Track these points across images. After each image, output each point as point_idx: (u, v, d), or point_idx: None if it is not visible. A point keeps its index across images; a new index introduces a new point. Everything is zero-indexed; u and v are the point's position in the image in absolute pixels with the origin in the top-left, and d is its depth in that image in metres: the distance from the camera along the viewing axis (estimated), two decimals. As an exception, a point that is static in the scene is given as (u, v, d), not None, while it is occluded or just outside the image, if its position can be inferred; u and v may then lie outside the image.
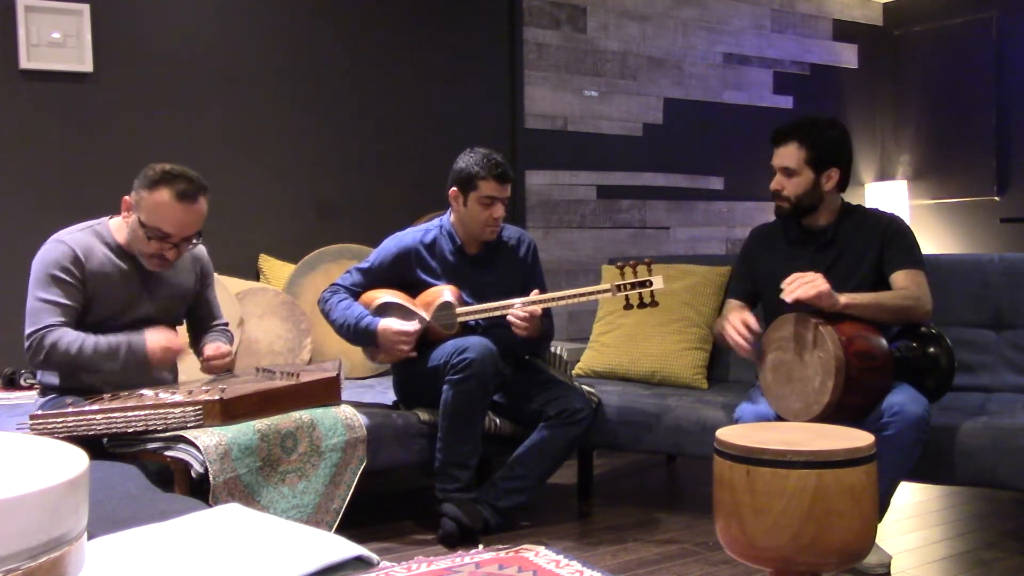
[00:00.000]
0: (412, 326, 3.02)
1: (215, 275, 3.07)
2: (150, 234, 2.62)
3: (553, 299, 3.02)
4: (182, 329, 2.97)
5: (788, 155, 2.85)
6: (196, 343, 2.98)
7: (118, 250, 2.72)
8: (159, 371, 2.78)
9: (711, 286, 3.67)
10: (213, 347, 2.86)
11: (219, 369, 2.85)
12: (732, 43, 5.56)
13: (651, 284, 2.98)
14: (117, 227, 2.74)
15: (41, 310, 2.59)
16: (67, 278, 2.61)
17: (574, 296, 3.02)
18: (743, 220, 5.55)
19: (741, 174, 5.51)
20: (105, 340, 2.59)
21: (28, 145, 3.64)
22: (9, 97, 3.61)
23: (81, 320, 2.66)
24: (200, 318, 2.99)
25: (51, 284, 2.60)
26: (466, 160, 3.12)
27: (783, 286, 2.67)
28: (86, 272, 2.64)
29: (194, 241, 2.71)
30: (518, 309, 2.98)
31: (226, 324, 3.07)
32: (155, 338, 2.64)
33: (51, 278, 2.60)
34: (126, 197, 2.67)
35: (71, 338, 2.56)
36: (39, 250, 2.67)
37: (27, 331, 2.59)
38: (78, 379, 2.68)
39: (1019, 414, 2.80)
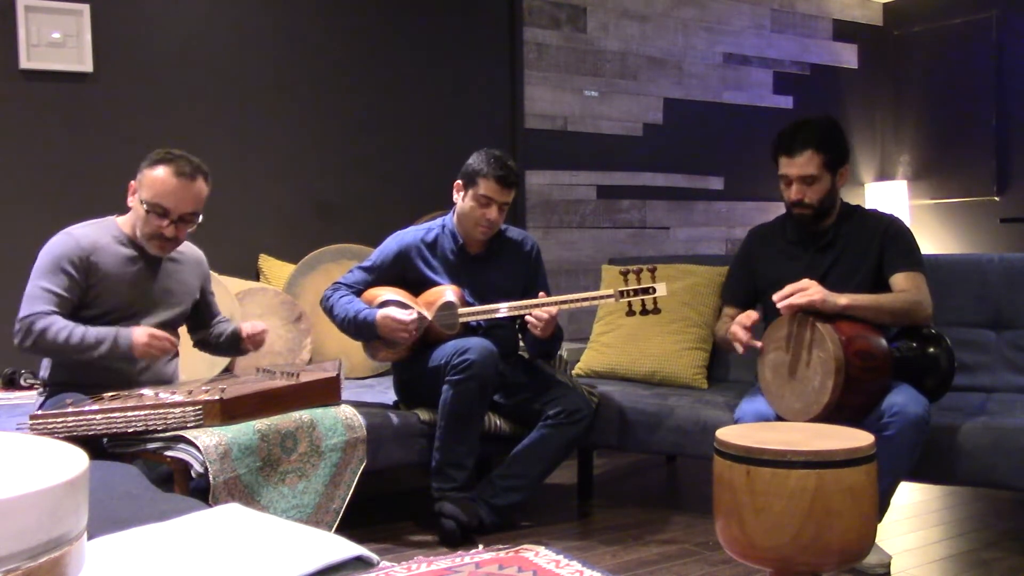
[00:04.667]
0: (411, 315, 3.01)
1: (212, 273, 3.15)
2: (149, 209, 2.68)
3: (556, 303, 3.02)
4: (182, 330, 3.01)
5: (807, 163, 2.81)
6: (198, 339, 3.08)
7: (128, 242, 2.78)
8: (144, 363, 2.77)
9: (711, 286, 3.67)
10: (249, 324, 2.98)
11: (261, 342, 2.98)
12: (732, 43, 5.55)
13: (654, 291, 2.98)
14: (124, 222, 2.82)
15: (37, 297, 2.64)
16: (69, 269, 2.66)
17: (578, 301, 3.03)
18: (743, 220, 5.55)
19: (741, 174, 5.51)
20: (94, 330, 2.62)
21: (28, 145, 3.64)
22: (9, 97, 3.61)
23: (85, 312, 2.69)
24: (201, 316, 3.06)
25: (52, 273, 2.66)
26: (477, 157, 3.14)
27: (775, 299, 2.67)
28: (90, 266, 2.69)
29: (193, 222, 2.75)
30: (540, 310, 3.00)
31: (228, 320, 3.14)
32: (142, 330, 2.66)
33: (53, 268, 2.66)
34: (132, 182, 2.75)
35: (60, 325, 2.60)
36: (48, 240, 2.73)
37: (20, 315, 2.63)
38: (71, 373, 2.70)
39: (1019, 414, 2.80)
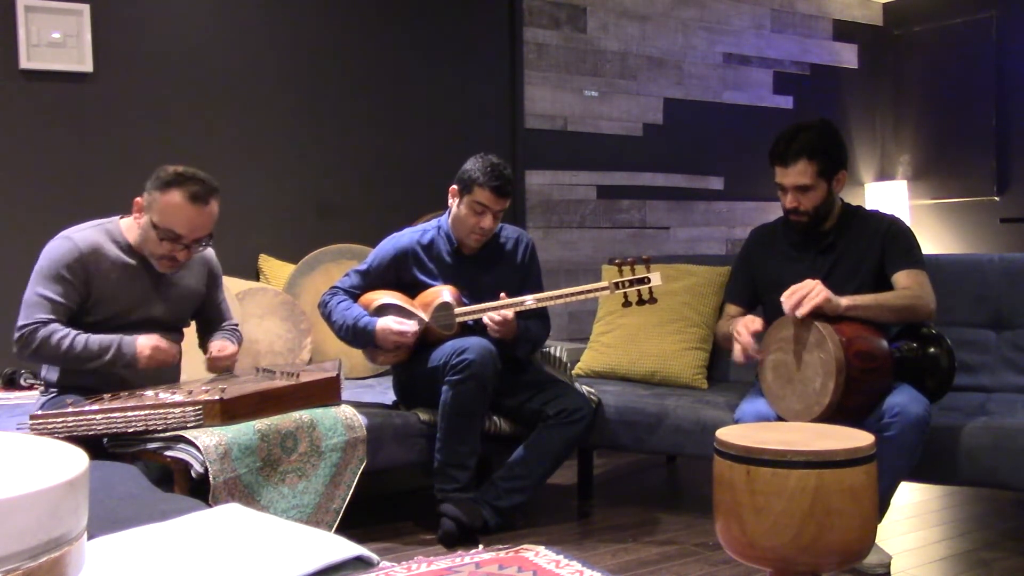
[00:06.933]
0: (411, 326, 3.02)
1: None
2: (162, 235, 2.63)
3: (551, 298, 3.03)
4: (189, 332, 2.98)
5: (801, 173, 2.80)
6: (204, 343, 3.00)
7: (128, 249, 2.72)
8: (148, 372, 2.72)
9: (711, 286, 3.67)
10: (218, 346, 2.87)
11: (222, 367, 2.87)
12: (732, 43, 5.55)
13: (649, 281, 2.98)
14: (128, 227, 2.74)
15: (36, 304, 2.60)
16: (68, 276, 2.61)
17: (572, 295, 3.03)
18: (743, 220, 5.55)
19: (741, 174, 5.50)
20: (96, 338, 2.59)
21: (28, 145, 3.64)
22: (9, 97, 3.61)
23: (84, 318, 2.66)
24: (209, 320, 3.01)
25: (51, 280, 2.61)
26: (474, 163, 3.13)
27: (782, 300, 2.66)
28: (90, 272, 2.64)
29: (204, 243, 2.71)
30: (496, 312, 2.99)
31: (236, 325, 3.09)
32: (145, 340, 2.62)
33: (52, 274, 2.61)
34: (138, 199, 2.67)
35: (62, 334, 2.57)
36: (48, 243, 2.68)
37: (19, 323, 2.60)
38: (78, 376, 2.68)
39: (1019, 414, 2.80)
